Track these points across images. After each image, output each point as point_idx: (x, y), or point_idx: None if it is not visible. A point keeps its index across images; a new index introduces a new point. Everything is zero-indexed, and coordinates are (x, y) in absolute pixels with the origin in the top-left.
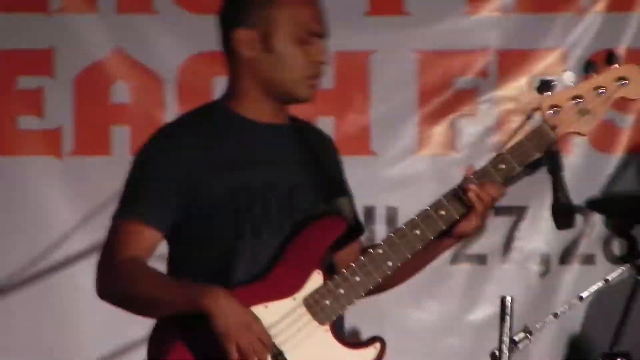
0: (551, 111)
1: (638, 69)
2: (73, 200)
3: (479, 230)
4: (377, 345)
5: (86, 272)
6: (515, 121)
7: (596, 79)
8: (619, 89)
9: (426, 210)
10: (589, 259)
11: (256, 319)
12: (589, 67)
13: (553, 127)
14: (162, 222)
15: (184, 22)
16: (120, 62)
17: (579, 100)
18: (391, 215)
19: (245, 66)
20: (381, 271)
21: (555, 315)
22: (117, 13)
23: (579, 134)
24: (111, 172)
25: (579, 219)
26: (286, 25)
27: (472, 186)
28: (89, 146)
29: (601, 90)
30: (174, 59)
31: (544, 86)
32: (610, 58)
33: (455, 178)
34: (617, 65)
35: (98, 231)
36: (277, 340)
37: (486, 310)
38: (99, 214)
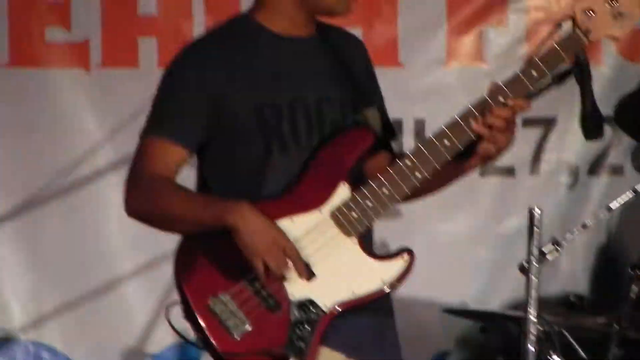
0: (585, 15)
1: None
2: (101, 113)
3: (506, 147)
4: (406, 256)
5: (114, 186)
6: (545, 31)
7: None
8: None
9: (455, 120)
10: (617, 170)
11: (282, 233)
12: None
13: (586, 32)
14: (189, 139)
15: None
16: None
17: (614, 2)
18: (419, 128)
19: None
20: (409, 182)
21: (584, 226)
22: None
23: (613, 37)
24: (139, 84)
25: (607, 129)
26: None
27: (476, 125)
28: (117, 58)
29: None
30: None
31: None
32: None
33: (483, 90)
34: None
35: (126, 144)
36: (304, 253)
37: (515, 222)
38: (127, 127)
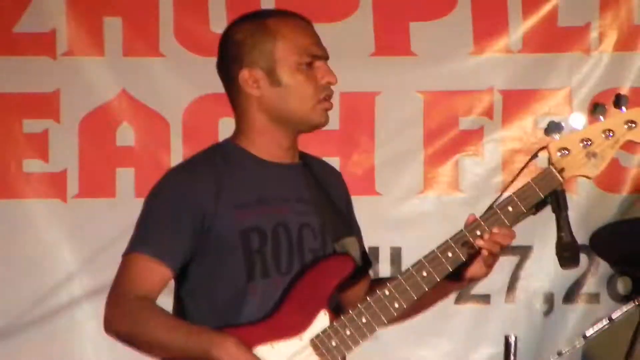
0: (559, 153)
1: None
2: (77, 242)
3: (488, 273)
4: None
5: (90, 315)
6: (520, 161)
7: (605, 122)
8: (627, 132)
9: (433, 252)
10: (593, 298)
11: None
12: (596, 110)
13: (561, 170)
14: (173, 260)
15: (190, 65)
16: (127, 104)
17: (587, 143)
18: (395, 256)
19: (254, 104)
20: (388, 312)
21: (560, 354)
22: (123, 56)
23: (586, 176)
24: (116, 214)
25: (583, 258)
26: (288, 55)
27: (481, 241)
28: (94, 189)
29: (609, 134)
30: (179, 101)
31: (552, 128)
32: (618, 100)
33: (460, 218)
34: (624, 109)
35: (101, 273)
36: None
37: (490, 349)
38: (103, 256)
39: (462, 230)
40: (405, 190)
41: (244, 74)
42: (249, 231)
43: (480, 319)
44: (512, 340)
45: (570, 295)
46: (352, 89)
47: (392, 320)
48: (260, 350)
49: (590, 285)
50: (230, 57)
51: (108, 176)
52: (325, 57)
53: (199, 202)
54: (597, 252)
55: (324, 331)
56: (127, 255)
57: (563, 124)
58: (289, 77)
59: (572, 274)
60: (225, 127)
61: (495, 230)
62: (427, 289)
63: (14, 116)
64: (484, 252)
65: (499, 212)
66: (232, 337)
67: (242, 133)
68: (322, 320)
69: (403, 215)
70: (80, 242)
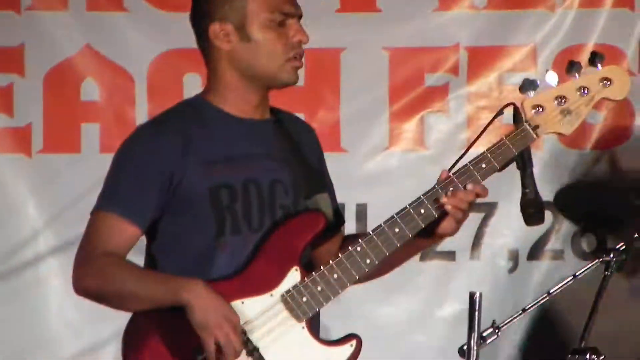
0: (534, 111)
1: (621, 70)
2: (42, 198)
3: (457, 229)
4: (353, 342)
5: (55, 270)
6: (485, 118)
7: (580, 80)
8: (602, 90)
9: (405, 208)
10: (557, 255)
11: (234, 313)
12: (572, 67)
13: (535, 127)
14: (142, 218)
15: (154, 20)
16: (91, 59)
17: (562, 100)
18: (361, 212)
19: (224, 59)
20: (359, 268)
21: (524, 310)
22: (88, 10)
23: (561, 134)
24: (80, 169)
25: (547, 215)
26: (259, 11)
27: (446, 199)
28: (59, 144)
29: (584, 91)
30: (144, 56)
31: (527, 85)
32: (593, 58)
33: (425, 175)
34: (600, 66)
35: (67, 229)
36: (254, 336)
37: (455, 306)
38: (68, 212)
39: (434, 187)
40: (371, 146)
41: (215, 28)
42: (218, 187)
43: (445, 276)
44: (476, 297)
45: (534, 252)
46: (317, 45)
47: (364, 275)
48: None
49: (554, 242)
50: (201, 11)
51: (73, 131)
52: (298, 15)
53: (166, 160)
54: (561, 210)
55: (294, 287)
56: (95, 213)
57: (538, 82)
58: (259, 33)
59: (537, 230)
60: (190, 83)
61: (469, 186)
62: (398, 245)
63: None
64: (456, 215)
65: (472, 168)
66: (200, 281)
67: (212, 89)
68: (293, 276)
69: (368, 171)
70: (45, 197)
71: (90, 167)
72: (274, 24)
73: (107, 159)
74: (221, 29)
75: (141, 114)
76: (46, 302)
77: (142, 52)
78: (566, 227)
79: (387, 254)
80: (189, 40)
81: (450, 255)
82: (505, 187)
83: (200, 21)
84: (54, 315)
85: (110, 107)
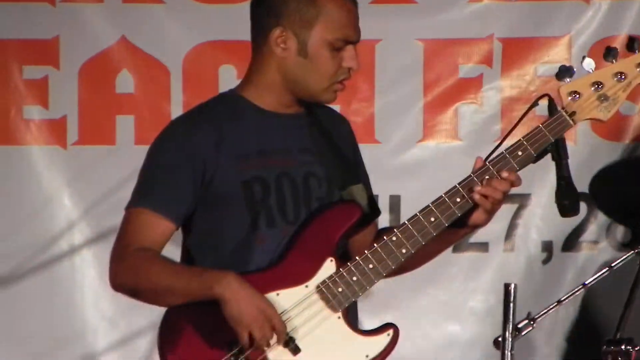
0: (570, 97)
1: None
2: (77, 189)
3: (489, 220)
4: (390, 332)
5: (90, 262)
6: (519, 110)
7: (616, 65)
8: (639, 75)
9: (440, 197)
10: (592, 246)
11: (269, 306)
12: (609, 53)
13: (572, 114)
14: (176, 213)
15: (190, 12)
16: (126, 52)
17: (598, 86)
18: (394, 204)
19: (274, 63)
20: (394, 258)
21: (559, 302)
22: (123, 2)
23: (598, 120)
24: (115, 161)
25: (582, 206)
26: (326, 33)
27: (478, 188)
28: (94, 136)
29: (621, 76)
30: (179, 48)
31: (564, 72)
32: (631, 44)
33: (459, 166)
34: (638, 52)
35: (102, 220)
36: (290, 327)
37: (489, 297)
38: (103, 204)
39: (470, 175)
40: (405, 138)
41: (277, 32)
42: (252, 182)
43: (478, 267)
44: (511, 288)
45: (569, 244)
46: None
47: (399, 265)
48: (266, 297)
49: (589, 233)
50: (268, 8)
51: (108, 123)
52: (356, 42)
53: (200, 154)
54: (596, 201)
55: (329, 277)
56: (129, 209)
57: (574, 69)
58: (318, 53)
59: (571, 222)
60: (225, 74)
61: (504, 174)
62: (434, 234)
63: (14, 62)
64: (485, 205)
65: (508, 156)
66: (234, 274)
67: (250, 83)
68: (328, 267)
69: (402, 163)
70: (80, 189)
71: (125, 158)
72: (334, 47)
73: (142, 151)
74: (282, 35)
75: (176, 106)
76: (82, 294)
77: (177, 44)
78: (601, 218)
79: (423, 243)
80: (225, 32)
81: (483, 246)
82: (538, 179)
83: (264, 18)
84: (89, 307)
85: (145, 99)
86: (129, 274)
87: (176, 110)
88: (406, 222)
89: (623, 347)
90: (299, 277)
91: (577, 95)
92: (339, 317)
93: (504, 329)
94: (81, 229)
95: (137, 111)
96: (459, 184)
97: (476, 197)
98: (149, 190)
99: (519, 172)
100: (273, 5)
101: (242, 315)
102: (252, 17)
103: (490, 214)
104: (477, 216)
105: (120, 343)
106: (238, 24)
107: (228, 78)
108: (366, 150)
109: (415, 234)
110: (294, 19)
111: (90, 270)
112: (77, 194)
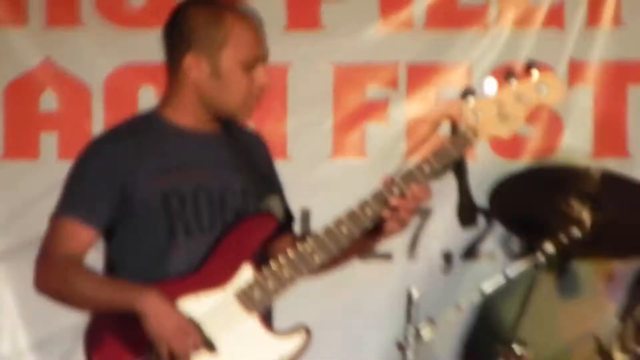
0: (473, 116)
1: (555, 77)
2: (0, 200)
3: (403, 229)
4: (303, 333)
5: (9, 273)
6: (423, 129)
7: (517, 86)
8: (538, 96)
9: (352, 210)
10: (490, 256)
11: (186, 319)
12: (509, 75)
13: (474, 132)
14: (98, 221)
15: (110, 35)
16: (49, 72)
17: (499, 106)
18: (305, 216)
19: (190, 85)
20: (308, 265)
21: (459, 307)
22: (46, 26)
23: (499, 137)
24: (39, 175)
25: (481, 218)
26: (236, 54)
27: (391, 200)
28: (18, 151)
29: (521, 98)
30: (101, 69)
31: (467, 93)
32: (530, 66)
33: (366, 181)
34: (536, 73)
35: (23, 232)
36: (208, 330)
37: (393, 304)
38: (25, 216)
39: (379, 189)
40: (315, 155)
41: (189, 60)
42: (170, 194)
43: (383, 276)
44: (414, 294)
45: (468, 254)
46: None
47: (313, 272)
48: (185, 301)
49: (487, 244)
50: (179, 36)
51: (32, 139)
52: (266, 59)
53: (122, 168)
54: (493, 214)
55: (247, 283)
56: (54, 218)
57: (477, 90)
58: (230, 73)
59: (471, 233)
60: (145, 94)
61: (413, 187)
62: (346, 244)
63: None
64: (402, 215)
65: (415, 171)
66: (154, 290)
67: (169, 104)
68: (246, 273)
69: (312, 178)
70: (3, 202)
71: (48, 173)
72: (245, 67)
73: (64, 166)
74: (194, 61)
75: (97, 124)
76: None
77: (99, 66)
78: (498, 230)
79: (335, 252)
80: (144, 54)
81: (387, 256)
82: (440, 193)
83: (176, 45)
84: (9, 318)
85: (68, 117)
86: (54, 280)
87: (97, 128)
88: (320, 232)
89: (516, 348)
90: (217, 282)
91: (480, 115)
92: (255, 320)
93: (406, 331)
94: (2, 240)
95: (60, 128)
96: (370, 196)
97: (386, 212)
98: (72, 200)
99: None
100: (183, 33)
101: (162, 333)
102: (164, 44)
103: (402, 225)
104: (391, 225)
105: (40, 344)
106: (156, 47)
107: (147, 98)
108: (279, 166)
109: (328, 243)
110: (204, 44)
111: (9, 281)
112: (0, 204)
